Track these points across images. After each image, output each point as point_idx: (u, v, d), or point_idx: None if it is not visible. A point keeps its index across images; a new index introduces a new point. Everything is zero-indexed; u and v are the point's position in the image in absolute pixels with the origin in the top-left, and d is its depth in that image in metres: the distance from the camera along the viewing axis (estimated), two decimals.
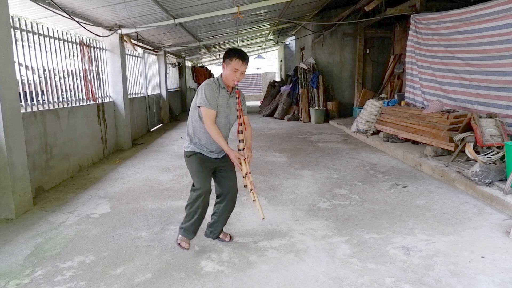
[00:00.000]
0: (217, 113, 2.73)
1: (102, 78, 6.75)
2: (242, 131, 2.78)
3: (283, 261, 2.76)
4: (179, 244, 2.95)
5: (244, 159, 2.75)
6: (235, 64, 2.67)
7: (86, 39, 6.10)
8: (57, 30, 5.23)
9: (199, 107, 2.72)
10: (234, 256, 2.84)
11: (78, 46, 5.81)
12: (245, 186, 2.74)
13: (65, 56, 5.43)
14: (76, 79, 5.77)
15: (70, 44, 5.58)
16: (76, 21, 5.38)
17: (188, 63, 17.46)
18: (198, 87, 2.84)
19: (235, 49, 2.79)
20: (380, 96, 9.25)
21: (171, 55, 13.15)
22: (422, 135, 6.04)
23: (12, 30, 3.87)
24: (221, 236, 3.10)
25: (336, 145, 7.40)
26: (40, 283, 2.51)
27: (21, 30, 4.30)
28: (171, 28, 7.86)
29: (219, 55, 18.04)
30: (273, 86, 14.84)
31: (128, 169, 5.66)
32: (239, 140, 2.79)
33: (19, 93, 4.08)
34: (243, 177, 2.73)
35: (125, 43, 7.22)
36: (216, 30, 10.09)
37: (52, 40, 5.06)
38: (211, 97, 2.68)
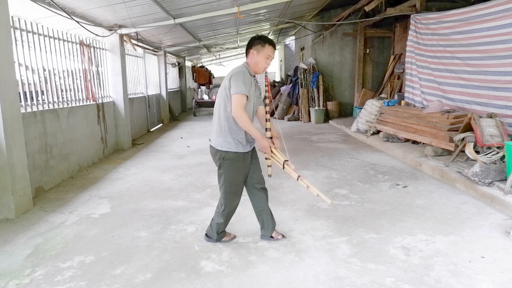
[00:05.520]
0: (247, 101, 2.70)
1: (102, 78, 6.75)
2: (268, 119, 2.74)
3: (283, 261, 2.76)
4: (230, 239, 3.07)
5: (275, 147, 2.72)
6: (269, 51, 2.69)
7: (86, 39, 6.10)
8: (57, 30, 5.23)
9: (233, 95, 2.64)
10: (234, 256, 2.84)
11: (78, 46, 5.81)
12: (269, 176, 2.76)
13: (65, 56, 5.43)
14: (76, 79, 5.76)
15: (70, 44, 5.57)
16: (76, 21, 5.38)
17: (188, 63, 17.46)
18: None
19: (264, 36, 2.81)
20: (380, 96, 9.25)
21: (171, 55, 13.15)
22: (422, 135, 6.04)
23: (12, 30, 3.88)
24: (273, 234, 3.04)
25: (336, 145, 7.40)
26: (40, 283, 2.51)
27: (21, 30, 4.30)
28: (171, 28, 7.86)
29: (219, 55, 18.04)
30: (273, 86, 14.84)
31: (128, 169, 5.66)
32: (266, 129, 2.75)
33: (19, 93, 4.09)
34: (269, 165, 2.73)
35: (125, 43, 7.21)
36: (216, 30, 10.09)
37: (52, 40, 5.06)
38: (247, 86, 2.64)
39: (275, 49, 2.77)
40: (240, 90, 2.58)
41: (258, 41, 2.72)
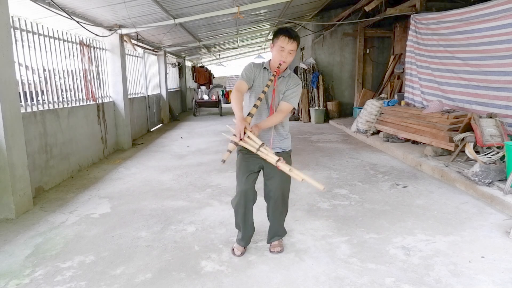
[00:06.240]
0: (252, 92, 2.60)
1: (102, 78, 6.75)
2: (257, 106, 2.47)
3: (283, 261, 2.76)
4: (232, 249, 2.90)
5: (249, 130, 2.36)
6: (281, 42, 2.48)
7: (86, 39, 6.10)
8: (57, 30, 5.23)
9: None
10: (234, 256, 2.84)
11: (78, 46, 5.81)
12: (223, 161, 2.35)
13: (65, 56, 5.43)
14: (76, 79, 5.76)
15: (70, 44, 5.57)
16: (76, 21, 5.38)
17: (188, 63, 17.46)
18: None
19: (283, 27, 2.62)
20: (380, 96, 9.25)
21: (171, 55, 13.15)
22: (422, 135, 6.05)
23: (12, 30, 3.88)
24: (272, 243, 2.91)
25: (336, 145, 7.40)
26: (40, 283, 2.51)
27: (21, 30, 4.30)
28: (171, 28, 7.86)
29: (219, 55, 18.05)
30: None
31: (128, 169, 5.66)
32: (249, 113, 2.45)
33: (19, 93, 4.08)
34: (229, 150, 2.37)
35: (125, 43, 7.22)
36: (216, 30, 10.09)
37: (52, 40, 5.06)
38: (247, 72, 2.60)
39: (292, 39, 2.47)
40: (239, 78, 2.63)
41: (274, 33, 2.55)
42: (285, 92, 2.64)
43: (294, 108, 2.68)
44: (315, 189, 4.47)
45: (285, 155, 2.72)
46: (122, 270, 2.66)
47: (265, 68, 2.64)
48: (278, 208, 2.80)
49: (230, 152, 2.37)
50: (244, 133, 2.35)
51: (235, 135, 2.36)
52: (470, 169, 4.46)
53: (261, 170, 2.76)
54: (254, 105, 2.49)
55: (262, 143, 2.37)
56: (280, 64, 2.53)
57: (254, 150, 2.40)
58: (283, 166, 2.31)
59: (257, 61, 2.74)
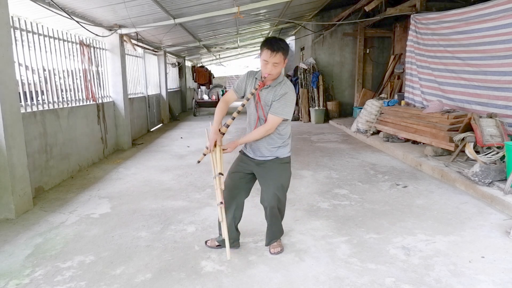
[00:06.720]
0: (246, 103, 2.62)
1: (102, 78, 6.75)
2: (234, 118, 2.51)
3: (283, 261, 2.76)
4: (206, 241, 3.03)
5: (219, 144, 2.47)
6: (264, 55, 2.39)
7: (86, 39, 6.10)
8: (57, 30, 5.22)
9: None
10: (234, 256, 2.84)
11: (78, 46, 5.81)
12: (198, 162, 2.65)
13: (65, 56, 5.43)
14: (76, 79, 5.76)
15: (70, 44, 5.57)
16: (76, 21, 5.38)
17: (188, 63, 17.45)
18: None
19: (268, 38, 2.52)
20: (380, 96, 9.25)
21: (171, 55, 13.14)
22: (422, 135, 6.04)
23: (12, 30, 3.87)
24: (270, 245, 2.90)
25: (336, 145, 7.40)
26: (40, 283, 2.51)
27: (21, 30, 4.30)
28: (171, 28, 7.86)
29: (219, 55, 18.04)
30: None
31: (128, 169, 5.66)
32: (225, 123, 2.52)
33: (19, 93, 4.08)
34: (204, 153, 2.54)
35: (125, 43, 7.21)
36: (216, 30, 10.09)
37: (52, 40, 5.05)
38: (239, 82, 2.66)
39: (275, 52, 2.36)
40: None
41: (260, 45, 2.47)
42: (272, 103, 2.53)
43: (285, 119, 2.57)
44: (316, 189, 4.49)
45: (277, 162, 2.67)
46: (122, 270, 2.66)
47: (256, 78, 2.61)
48: (274, 215, 2.81)
49: (205, 155, 2.61)
50: (215, 145, 2.50)
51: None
52: (470, 169, 4.46)
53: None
54: (232, 117, 2.53)
55: (220, 173, 2.43)
56: (264, 77, 2.47)
57: (213, 170, 2.50)
58: (219, 213, 2.35)
59: (256, 67, 2.78)
